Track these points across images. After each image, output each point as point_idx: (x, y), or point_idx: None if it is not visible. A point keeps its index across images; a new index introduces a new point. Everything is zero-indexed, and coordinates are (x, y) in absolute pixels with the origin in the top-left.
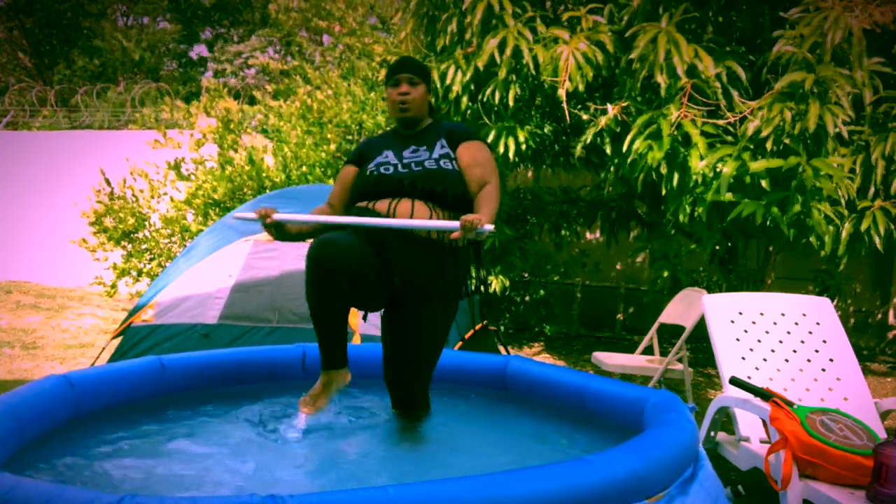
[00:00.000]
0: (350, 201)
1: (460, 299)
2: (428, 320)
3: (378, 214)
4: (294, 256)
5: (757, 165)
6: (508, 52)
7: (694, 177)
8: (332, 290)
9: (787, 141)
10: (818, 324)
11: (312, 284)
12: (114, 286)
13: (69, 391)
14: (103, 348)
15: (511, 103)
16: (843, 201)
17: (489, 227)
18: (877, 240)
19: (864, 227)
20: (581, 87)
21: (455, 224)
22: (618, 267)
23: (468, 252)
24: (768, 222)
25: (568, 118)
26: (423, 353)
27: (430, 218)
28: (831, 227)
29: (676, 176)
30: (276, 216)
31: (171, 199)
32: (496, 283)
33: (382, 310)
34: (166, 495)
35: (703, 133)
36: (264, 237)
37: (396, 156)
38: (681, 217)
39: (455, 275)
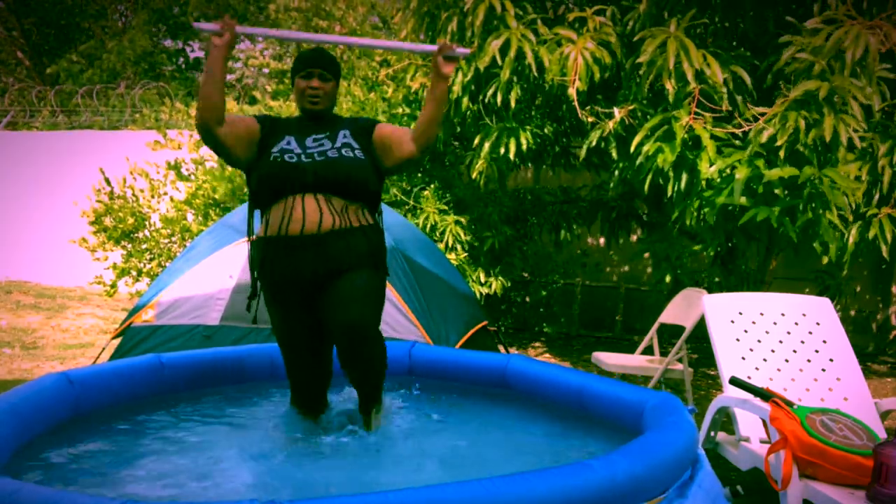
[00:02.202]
0: (254, 182)
1: (383, 271)
2: (350, 280)
3: (294, 238)
4: None
5: (772, 174)
6: (512, 53)
7: (703, 180)
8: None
9: (800, 149)
10: (818, 324)
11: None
12: (114, 286)
13: (69, 389)
14: (103, 348)
15: (513, 105)
16: (849, 209)
17: (465, 49)
18: (883, 248)
19: (871, 234)
20: (584, 87)
21: (433, 47)
22: (618, 268)
23: (373, 233)
24: (780, 229)
25: (581, 115)
26: (359, 309)
27: (325, 214)
28: (836, 233)
29: (685, 178)
30: (237, 28)
31: (171, 199)
32: (496, 285)
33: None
34: (166, 497)
35: (712, 137)
36: None
37: (299, 144)
38: (688, 220)
39: (355, 250)
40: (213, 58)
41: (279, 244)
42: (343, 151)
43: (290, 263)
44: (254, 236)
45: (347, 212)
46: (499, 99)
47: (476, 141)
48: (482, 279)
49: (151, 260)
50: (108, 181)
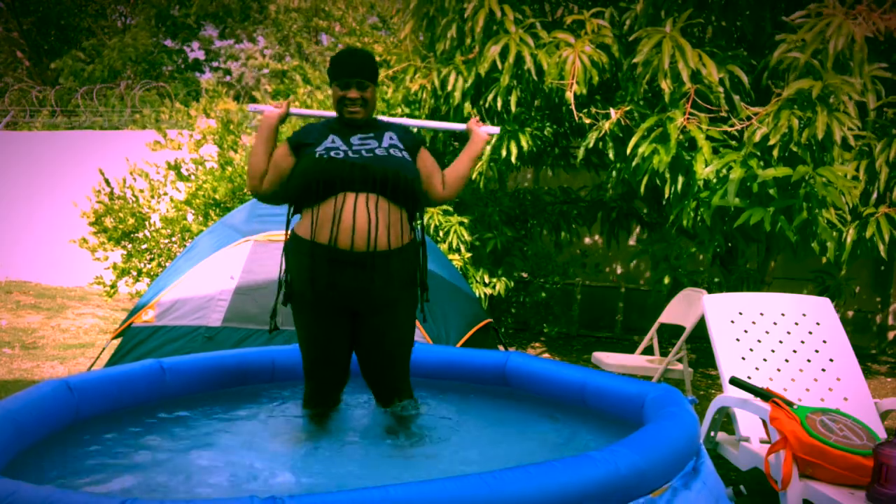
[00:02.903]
0: (298, 184)
1: (415, 293)
2: (389, 324)
3: (344, 253)
4: None
5: (766, 174)
6: (511, 58)
7: (698, 181)
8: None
9: (794, 148)
10: (818, 324)
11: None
12: (114, 286)
13: (69, 395)
14: (103, 349)
15: (514, 108)
16: (847, 208)
17: (496, 129)
18: (881, 247)
19: (868, 234)
20: (585, 91)
21: (461, 126)
22: (618, 269)
23: (414, 252)
24: (777, 228)
25: (577, 118)
26: (394, 352)
27: (372, 226)
28: (834, 233)
29: (681, 180)
30: (292, 110)
31: (171, 200)
32: (499, 286)
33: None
34: (167, 498)
35: (707, 137)
36: (264, 238)
37: (344, 142)
38: (684, 221)
39: (402, 276)
40: (262, 128)
41: (326, 255)
42: (391, 151)
43: (335, 276)
44: (289, 233)
45: (393, 223)
46: (499, 104)
47: None
48: (486, 280)
49: (151, 260)
50: (107, 182)
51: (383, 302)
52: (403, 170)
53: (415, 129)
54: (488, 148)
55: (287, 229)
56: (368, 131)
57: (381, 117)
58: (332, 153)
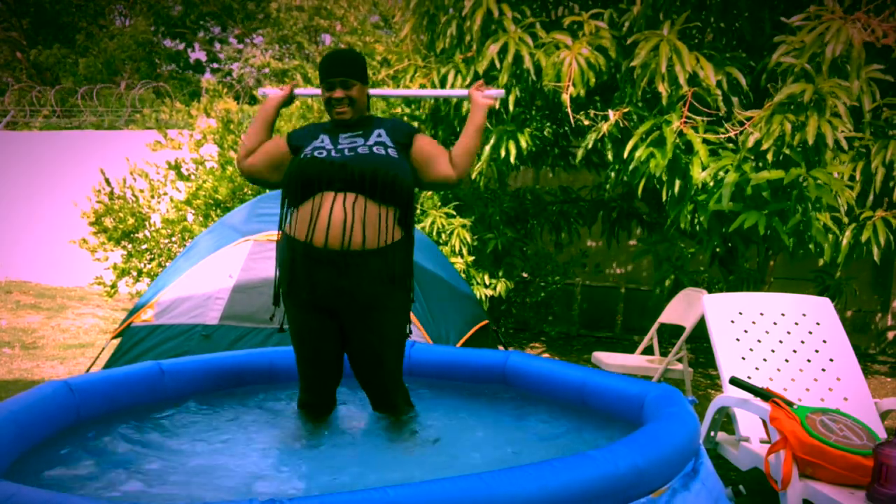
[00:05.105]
0: (283, 184)
1: (407, 298)
2: (373, 325)
3: (317, 250)
4: None
5: (759, 177)
6: (510, 57)
7: (695, 184)
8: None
9: (787, 151)
10: (818, 324)
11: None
12: (114, 286)
13: (69, 397)
14: (103, 348)
15: (511, 108)
16: (842, 210)
17: (499, 91)
18: (875, 251)
19: (864, 237)
20: (583, 93)
21: (464, 92)
22: (618, 269)
23: (401, 251)
24: (769, 231)
25: (572, 121)
26: (380, 355)
27: (348, 224)
28: (830, 236)
29: (678, 183)
30: (297, 91)
31: (172, 200)
32: (500, 286)
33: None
34: (167, 502)
35: (704, 141)
36: (264, 237)
37: (332, 141)
38: (682, 224)
39: (383, 276)
40: (262, 108)
41: (301, 251)
42: (374, 149)
43: (310, 274)
44: (279, 232)
45: (373, 222)
46: (497, 102)
47: None
48: (486, 281)
49: (151, 260)
50: (107, 181)
51: (363, 303)
52: (384, 167)
53: (412, 108)
54: (488, 147)
55: (280, 228)
56: (358, 129)
57: (378, 90)
58: (315, 153)
